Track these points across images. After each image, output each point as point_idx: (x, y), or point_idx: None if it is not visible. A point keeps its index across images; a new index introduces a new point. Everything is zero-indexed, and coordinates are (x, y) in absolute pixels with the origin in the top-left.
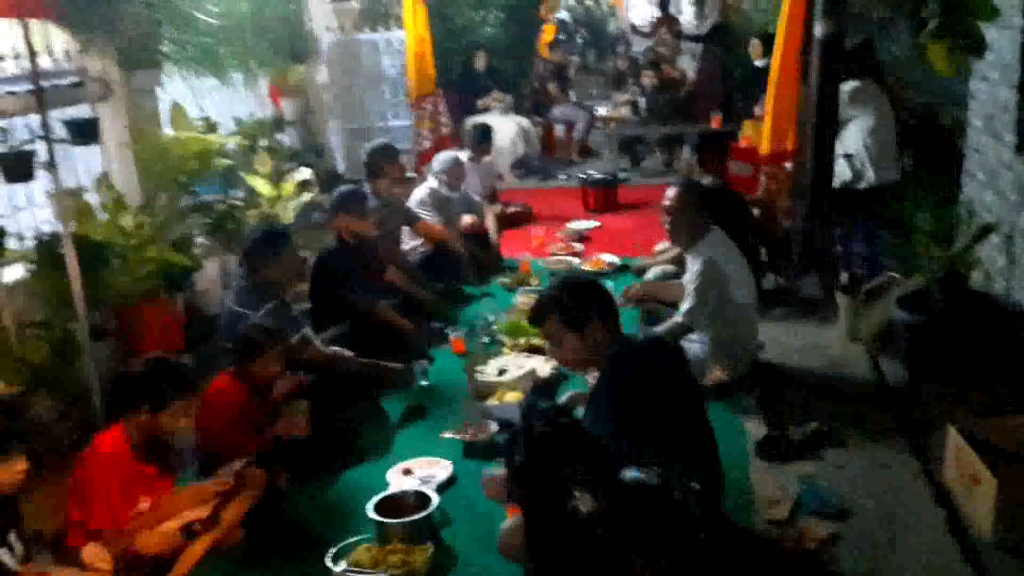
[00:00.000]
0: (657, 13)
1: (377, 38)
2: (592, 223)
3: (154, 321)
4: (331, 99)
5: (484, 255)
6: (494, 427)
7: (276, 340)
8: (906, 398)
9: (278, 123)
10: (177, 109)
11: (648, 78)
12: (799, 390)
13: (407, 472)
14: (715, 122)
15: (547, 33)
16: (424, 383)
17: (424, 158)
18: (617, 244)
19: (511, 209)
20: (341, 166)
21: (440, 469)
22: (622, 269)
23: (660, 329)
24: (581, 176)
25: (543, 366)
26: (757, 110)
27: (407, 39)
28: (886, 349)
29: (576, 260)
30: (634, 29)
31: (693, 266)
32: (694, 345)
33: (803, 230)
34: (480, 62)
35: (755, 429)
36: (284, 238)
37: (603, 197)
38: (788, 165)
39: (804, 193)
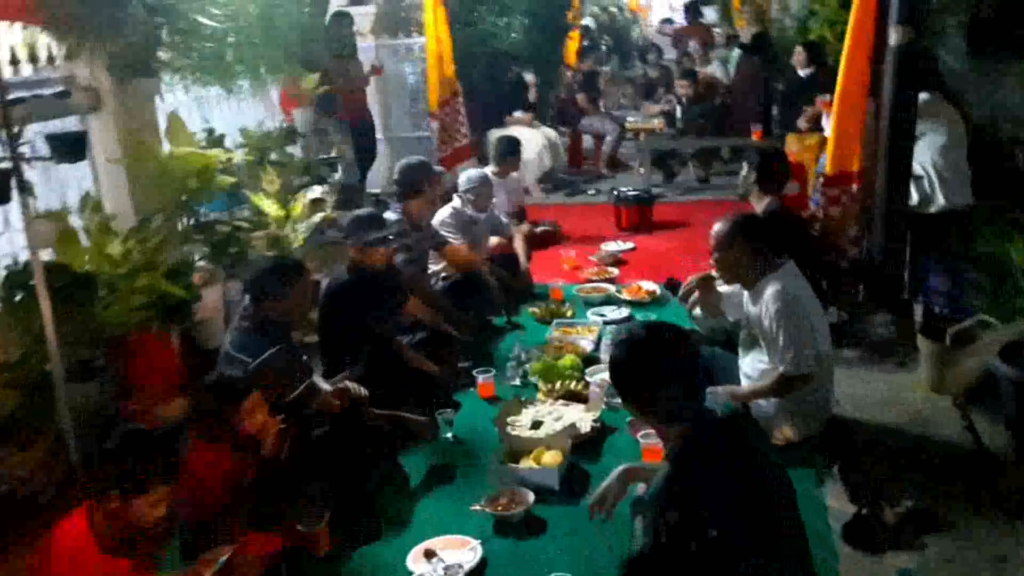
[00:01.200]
0: (681, 20)
1: (397, 44)
2: (627, 244)
3: (147, 358)
4: None
5: (513, 281)
6: (531, 497)
7: (265, 386)
8: (1015, 471)
9: (289, 134)
10: (176, 121)
11: (683, 88)
12: (883, 454)
13: (429, 555)
14: (755, 135)
15: (574, 40)
16: (449, 435)
17: (445, 167)
18: (654, 268)
19: (540, 228)
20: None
21: (468, 551)
22: (661, 299)
23: (758, 387)
24: (614, 193)
25: (583, 417)
26: (801, 123)
27: (427, 43)
28: (980, 405)
29: (612, 287)
30: (662, 34)
31: (765, 304)
32: (760, 400)
33: (873, 260)
34: (509, 74)
35: (837, 503)
36: (295, 272)
37: (637, 216)
38: (854, 187)
39: (874, 219)
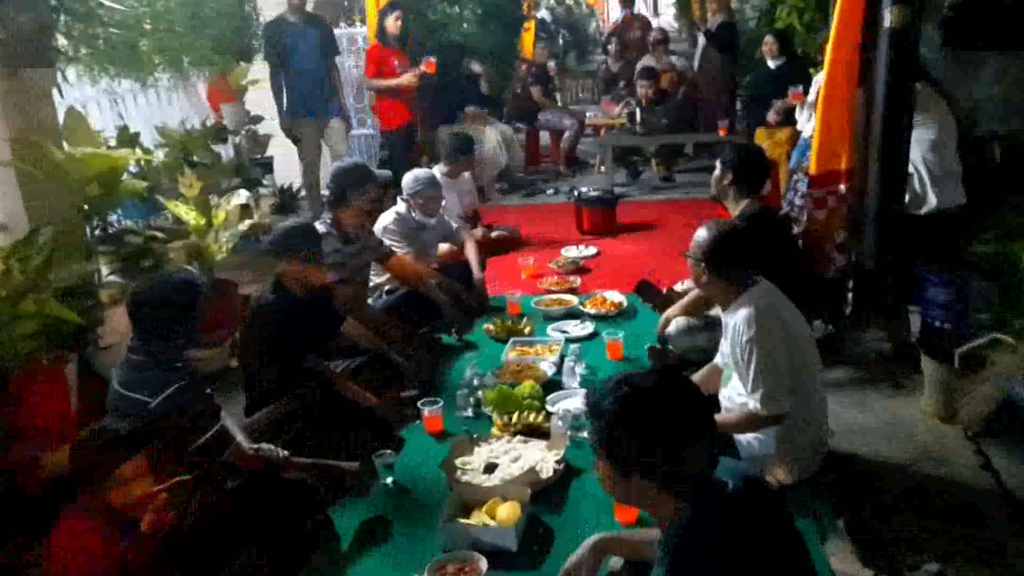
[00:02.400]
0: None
1: (339, 34)
2: (589, 250)
3: (34, 395)
4: None
5: (466, 295)
6: (483, 564)
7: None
8: None
9: (218, 132)
10: (74, 118)
11: (643, 88)
12: (891, 500)
13: None
14: (721, 131)
15: (529, 32)
16: (389, 481)
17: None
18: (619, 276)
19: (495, 233)
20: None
21: None
22: (628, 311)
23: (726, 419)
24: (574, 193)
25: (544, 458)
26: (771, 117)
27: (371, 36)
28: (997, 438)
29: (574, 299)
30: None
31: (738, 329)
32: (748, 438)
33: (863, 268)
34: (462, 67)
35: (845, 565)
36: (184, 292)
37: (600, 218)
38: (842, 187)
39: (866, 223)
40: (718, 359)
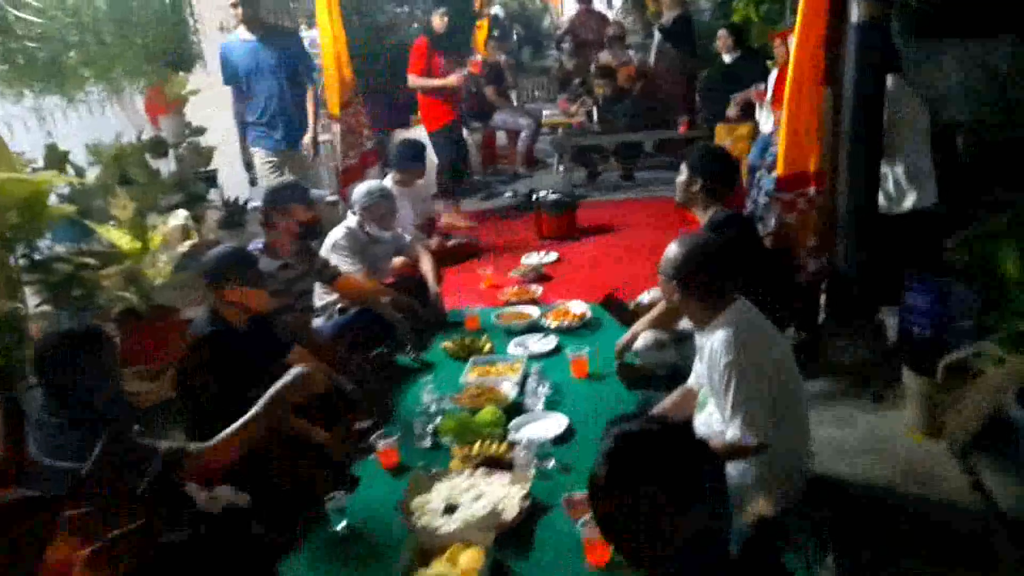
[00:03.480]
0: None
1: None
2: (550, 256)
3: None
4: (227, 113)
5: (422, 311)
6: None
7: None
8: None
9: (155, 146)
10: None
11: (600, 87)
12: (881, 527)
13: None
14: (681, 128)
15: (482, 30)
16: (340, 527)
17: (349, 177)
18: (582, 283)
19: (451, 242)
20: (246, 191)
21: None
22: (591, 323)
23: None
24: (533, 198)
25: (509, 495)
26: (730, 112)
27: (322, 39)
28: (985, 453)
29: (536, 310)
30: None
31: (715, 352)
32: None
33: (836, 273)
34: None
35: None
36: (87, 344)
37: (559, 223)
38: (812, 190)
39: (838, 226)
40: (692, 381)
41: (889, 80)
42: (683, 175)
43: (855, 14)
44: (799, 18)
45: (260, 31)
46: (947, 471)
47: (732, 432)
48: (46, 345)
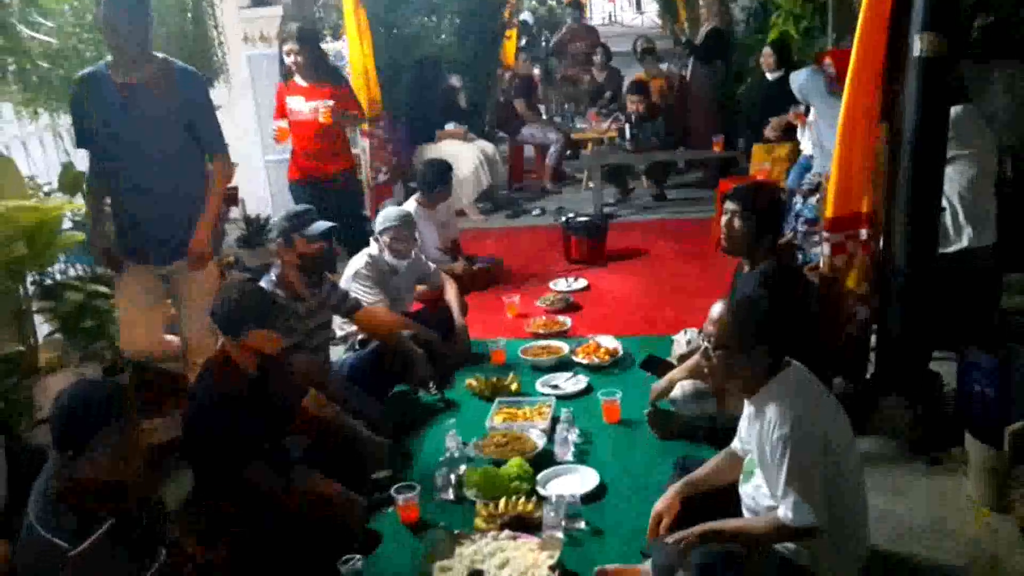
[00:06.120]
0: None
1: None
2: (579, 283)
3: None
4: (251, 128)
5: (445, 345)
6: None
7: None
8: None
9: None
10: (2, 165)
11: (633, 104)
12: None
13: None
14: (716, 147)
15: (511, 40)
16: None
17: (381, 195)
18: (612, 315)
19: (477, 266)
20: (268, 208)
21: None
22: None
23: (751, 527)
24: (562, 219)
25: (537, 563)
26: (769, 132)
27: (351, 53)
28: None
29: (565, 346)
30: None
31: (769, 424)
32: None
33: (890, 326)
34: (440, 82)
35: None
36: (107, 411)
37: (589, 248)
38: (864, 232)
39: (890, 272)
40: (736, 445)
41: (956, 110)
42: (734, 217)
43: (916, 48)
44: (854, 51)
45: (144, 70)
46: (1018, 554)
47: (784, 511)
48: (64, 399)
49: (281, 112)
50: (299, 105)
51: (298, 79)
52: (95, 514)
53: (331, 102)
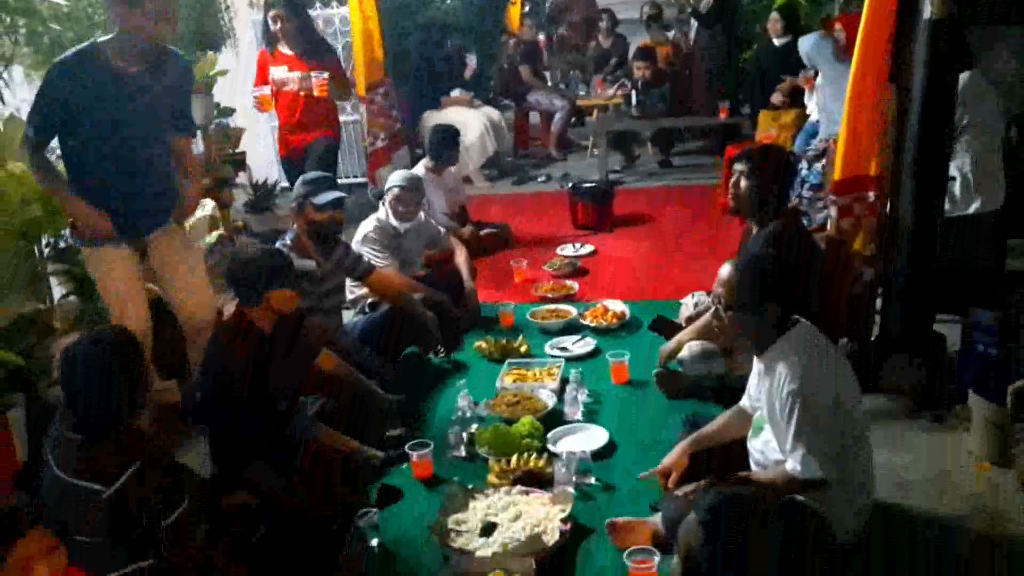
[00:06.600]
0: None
1: (315, 15)
2: (585, 248)
3: None
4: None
5: (455, 308)
6: None
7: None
8: None
9: None
10: (15, 127)
11: (640, 70)
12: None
13: None
14: (722, 113)
15: (516, 5)
16: (374, 544)
17: (377, 161)
18: (619, 279)
19: (485, 231)
20: (275, 173)
21: None
22: (631, 323)
23: (761, 477)
24: (569, 185)
25: (549, 515)
26: (775, 99)
27: (351, 15)
28: None
29: (573, 309)
30: None
31: (778, 381)
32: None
33: (897, 287)
34: (445, 47)
35: None
36: (127, 353)
37: (595, 212)
38: (871, 195)
39: (898, 234)
40: (745, 402)
41: (964, 77)
42: (741, 177)
43: (927, 10)
44: (864, 14)
45: (138, 56)
46: (1019, 507)
47: (792, 464)
48: (75, 349)
49: (262, 79)
50: (282, 75)
51: (283, 47)
52: (122, 459)
53: (326, 74)
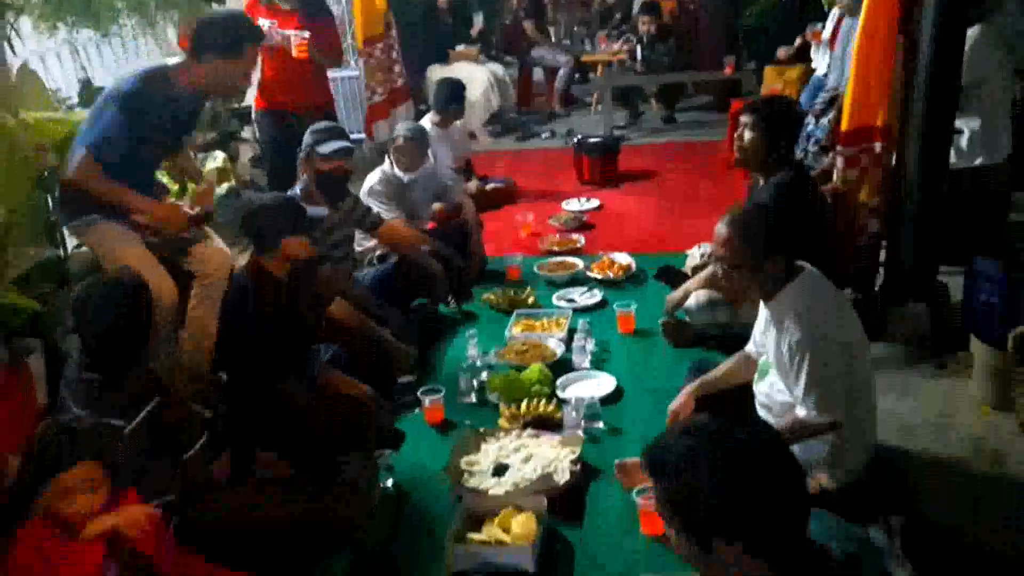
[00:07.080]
0: None
1: None
2: (591, 203)
3: None
4: None
5: (463, 260)
6: None
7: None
8: None
9: None
10: (28, 76)
11: (645, 24)
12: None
13: None
14: (727, 68)
15: None
16: (388, 484)
17: (374, 115)
18: (624, 233)
19: (490, 186)
20: None
21: None
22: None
23: (780, 425)
24: (574, 140)
25: (559, 457)
26: (781, 54)
27: None
28: None
29: (579, 262)
30: None
31: (785, 328)
32: None
33: (903, 238)
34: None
35: None
36: (137, 296)
37: (600, 167)
38: (877, 146)
39: (904, 186)
40: (750, 348)
41: (974, 30)
42: (746, 129)
43: None
44: None
45: None
46: (1019, 449)
47: (804, 411)
48: (87, 294)
49: None
50: (265, 29)
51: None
52: (141, 396)
53: (306, 33)
